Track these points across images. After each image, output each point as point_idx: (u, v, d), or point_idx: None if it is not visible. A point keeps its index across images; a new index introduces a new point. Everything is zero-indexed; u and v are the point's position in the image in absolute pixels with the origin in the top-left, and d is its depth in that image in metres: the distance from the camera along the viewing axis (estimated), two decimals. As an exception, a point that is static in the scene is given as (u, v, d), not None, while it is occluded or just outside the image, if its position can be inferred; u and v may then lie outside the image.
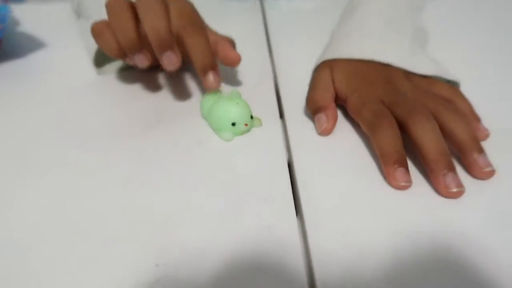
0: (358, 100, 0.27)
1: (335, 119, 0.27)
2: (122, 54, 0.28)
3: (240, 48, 0.33)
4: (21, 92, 0.34)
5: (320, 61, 0.31)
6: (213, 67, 0.26)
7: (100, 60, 0.35)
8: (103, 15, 0.33)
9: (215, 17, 0.36)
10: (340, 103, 0.29)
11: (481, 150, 0.24)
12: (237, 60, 0.29)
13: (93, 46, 0.33)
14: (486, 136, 0.26)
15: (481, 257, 0.20)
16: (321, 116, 0.27)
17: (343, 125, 0.28)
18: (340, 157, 0.26)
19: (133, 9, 0.27)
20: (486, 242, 0.20)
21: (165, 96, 0.32)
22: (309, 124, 0.28)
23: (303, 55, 0.35)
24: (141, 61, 0.27)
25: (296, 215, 0.22)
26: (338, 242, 0.21)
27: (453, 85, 0.29)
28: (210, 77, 0.26)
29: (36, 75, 0.36)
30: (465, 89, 0.29)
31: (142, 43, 0.26)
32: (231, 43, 0.31)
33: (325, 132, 0.27)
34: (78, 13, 0.42)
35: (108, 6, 0.27)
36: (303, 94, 0.31)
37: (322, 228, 0.21)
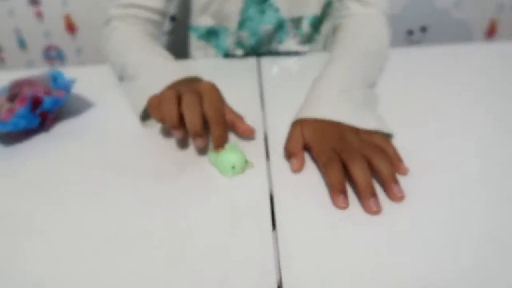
0: (319, 148, 0.39)
1: (303, 162, 0.39)
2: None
3: (236, 101, 0.45)
4: (76, 145, 0.46)
5: (294, 120, 0.43)
6: (223, 145, 0.40)
7: (145, 115, 0.48)
8: (143, 78, 0.46)
9: (218, 73, 0.49)
10: (308, 149, 0.41)
11: (396, 182, 0.35)
12: (252, 133, 0.43)
13: (140, 104, 0.46)
14: (406, 172, 0.38)
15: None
16: (293, 160, 0.39)
17: (311, 164, 0.40)
18: (308, 189, 0.37)
19: (179, 99, 0.39)
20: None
21: (189, 147, 0.44)
22: (286, 165, 0.40)
23: (290, 109, 0.47)
24: (177, 135, 0.40)
25: (273, 229, 0.34)
26: (306, 255, 0.32)
27: (388, 136, 0.41)
28: (221, 150, 0.40)
29: (87, 130, 0.49)
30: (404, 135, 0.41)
31: (180, 124, 0.39)
32: (243, 119, 0.44)
33: (296, 170, 0.39)
34: (121, 77, 0.55)
35: (163, 94, 0.40)
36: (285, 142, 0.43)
37: (293, 245, 0.33)
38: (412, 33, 0.87)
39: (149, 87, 0.45)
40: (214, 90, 0.41)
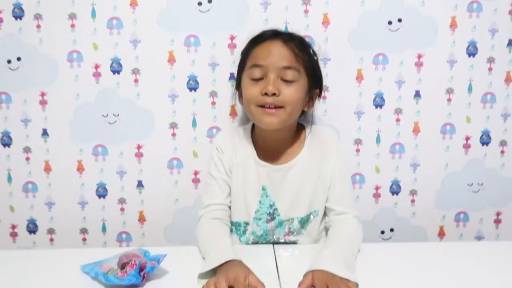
0: (319, 283, 0.71)
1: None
2: None
3: (262, 274, 0.74)
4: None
5: (308, 270, 0.76)
6: None
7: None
8: (208, 259, 0.79)
9: (250, 256, 0.79)
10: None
11: None
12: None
13: (203, 270, 0.77)
14: None
15: None
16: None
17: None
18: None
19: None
20: None
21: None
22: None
23: (294, 276, 0.76)
24: None
25: None
26: None
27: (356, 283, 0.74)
28: None
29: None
30: None
31: None
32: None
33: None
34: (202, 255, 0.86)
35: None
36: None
37: None
38: (384, 232, 1.20)
39: (209, 265, 0.78)
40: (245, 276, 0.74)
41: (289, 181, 0.97)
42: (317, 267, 0.76)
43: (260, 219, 0.98)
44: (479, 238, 1.22)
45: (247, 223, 0.99)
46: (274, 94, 0.90)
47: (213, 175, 1.00)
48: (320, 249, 0.84)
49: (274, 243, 0.98)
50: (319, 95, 1.04)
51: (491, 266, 0.85)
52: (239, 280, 0.73)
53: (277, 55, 0.92)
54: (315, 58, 1.00)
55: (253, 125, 1.03)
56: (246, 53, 0.99)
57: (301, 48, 0.94)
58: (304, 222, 0.98)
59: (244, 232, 1.00)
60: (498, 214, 1.22)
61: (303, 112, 1.01)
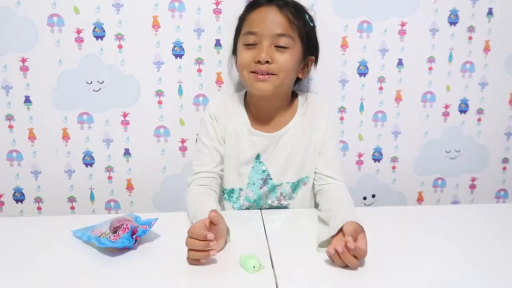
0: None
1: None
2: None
3: (250, 237, 0.77)
4: (153, 256, 0.76)
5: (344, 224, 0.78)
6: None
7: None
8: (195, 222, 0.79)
9: (240, 220, 0.81)
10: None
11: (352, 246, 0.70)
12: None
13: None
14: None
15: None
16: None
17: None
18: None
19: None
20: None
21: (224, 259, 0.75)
22: (283, 268, 0.71)
23: (287, 245, 0.79)
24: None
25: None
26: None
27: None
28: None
29: (159, 250, 0.79)
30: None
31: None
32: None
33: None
34: (191, 218, 0.88)
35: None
36: (284, 261, 0.74)
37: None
38: (366, 198, 1.25)
39: None
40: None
41: (282, 147, 0.99)
42: (353, 219, 0.77)
43: (254, 184, 1.01)
44: (455, 203, 1.29)
45: (241, 189, 1.01)
46: (267, 62, 0.90)
47: (204, 143, 1.00)
48: (331, 212, 0.85)
49: (266, 208, 1.01)
50: (315, 62, 1.04)
51: (467, 228, 0.90)
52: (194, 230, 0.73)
53: (271, 22, 0.91)
54: (311, 24, 0.99)
55: (246, 94, 1.04)
56: (242, 19, 0.99)
57: (295, 15, 0.94)
58: (295, 186, 1.01)
59: (238, 198, 1.02)
60: (473, 179, 1.28)
61: (298, 80, 1.02)
